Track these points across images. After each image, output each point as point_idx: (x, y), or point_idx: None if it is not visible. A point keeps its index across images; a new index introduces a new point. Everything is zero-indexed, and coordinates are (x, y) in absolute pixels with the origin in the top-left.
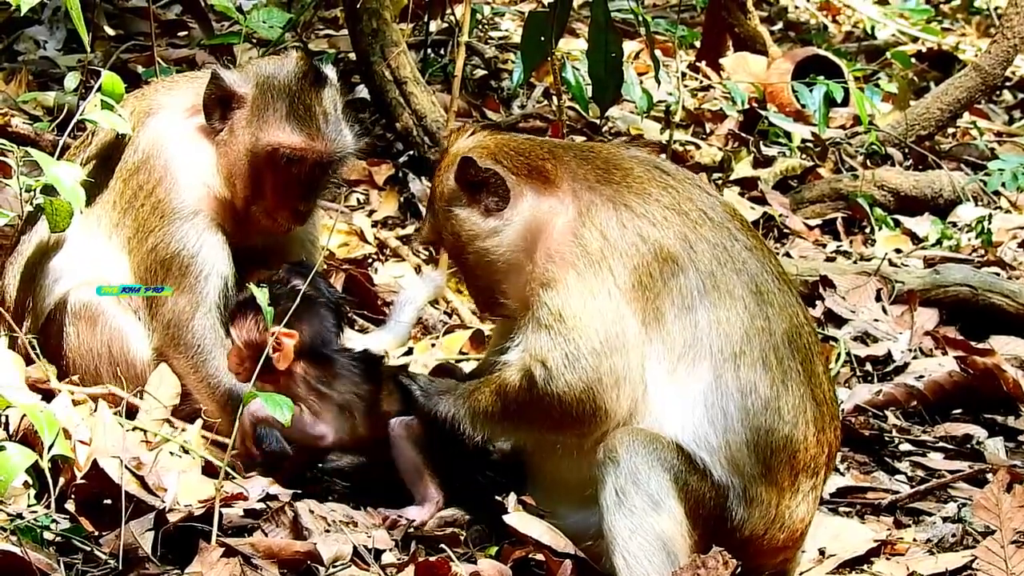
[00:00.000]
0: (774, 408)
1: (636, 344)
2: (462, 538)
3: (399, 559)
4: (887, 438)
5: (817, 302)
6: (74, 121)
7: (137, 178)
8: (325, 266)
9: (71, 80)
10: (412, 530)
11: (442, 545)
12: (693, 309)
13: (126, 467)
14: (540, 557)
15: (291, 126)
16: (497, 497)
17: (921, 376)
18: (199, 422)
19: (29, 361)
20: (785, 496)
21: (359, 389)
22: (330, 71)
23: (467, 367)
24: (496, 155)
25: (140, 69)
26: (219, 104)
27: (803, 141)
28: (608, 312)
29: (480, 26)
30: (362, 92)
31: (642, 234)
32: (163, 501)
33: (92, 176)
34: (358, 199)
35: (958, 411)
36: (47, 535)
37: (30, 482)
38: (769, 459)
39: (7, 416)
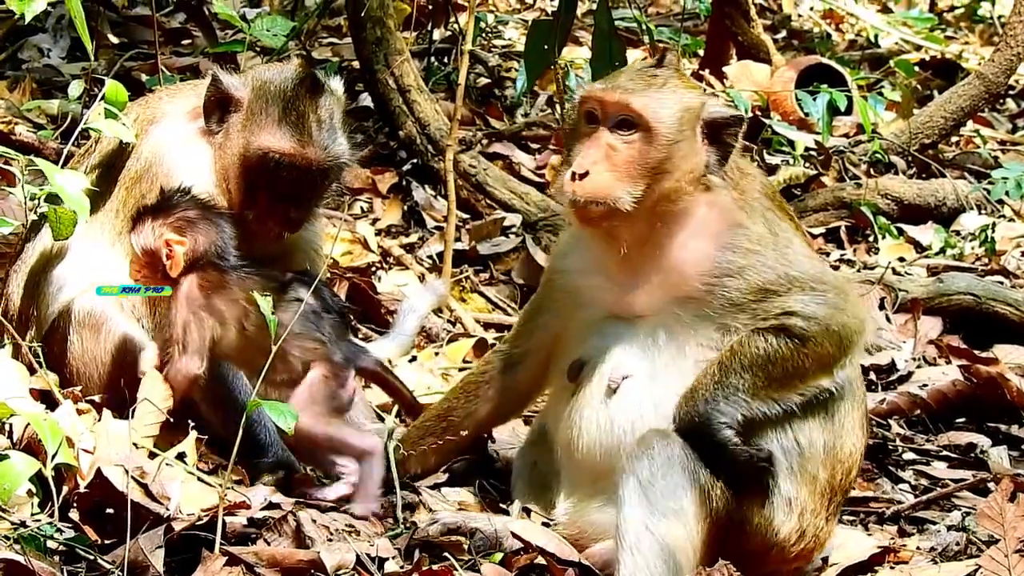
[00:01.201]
0: (850, 420)
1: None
2: (466, 546)
3: (402, 567)
4: (891, 447)
5: None
6: (78, 129)
7: (140, 186)
8: (328, 275)
9: (75, 88)
10: (414, 539)
11: (446, 553)
12: None
13: (131, 477)
14: (544, 564)
15: (282, 131)
16: (502, 504)
17: (925, 385)
18: (193, 434)
19: (33, 370)
20: (824, 508)
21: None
22: (336, 83)
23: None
24: None
25: (144, 77)
26: (218, 106)
27: (806, 149)
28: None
29: (483, 34)
30: (365, 100)
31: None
32: (167, 510)
33: (96, 184)
34: (362, 207)
35: (962, 420)
36: (51, 544)
37: (33, 491)
38: (834, 470)
39: (11, 425)
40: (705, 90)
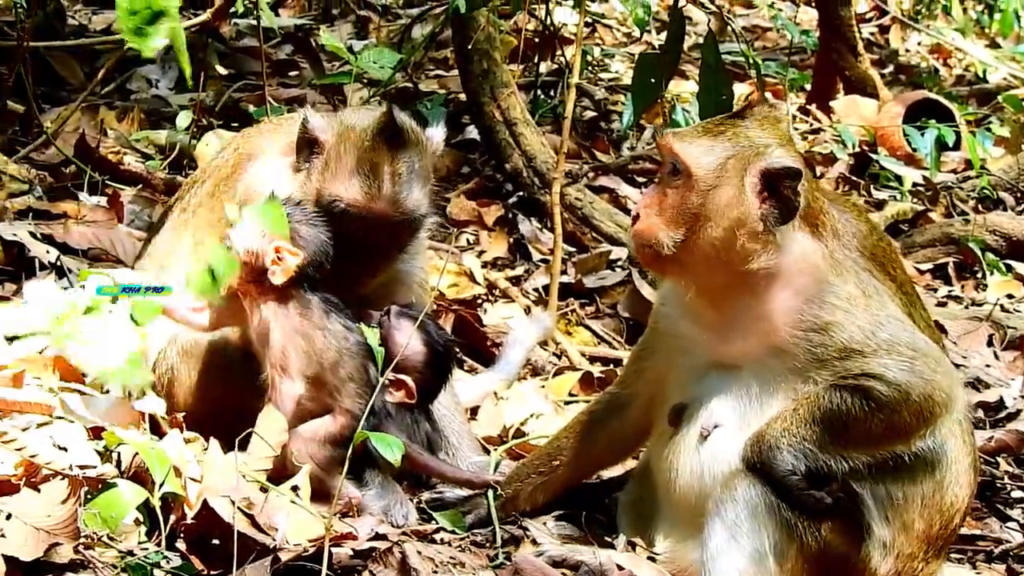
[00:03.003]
0: (953, 471)
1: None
2: None
3: None
4: (999, 485)
5: None
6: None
7: None
8: (434, 307)
9: (183, 119)
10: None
11: None
12: None
13: (238, 508)
14: None
15: (353, 182)
16: (607, 538)
17: None
18: (306, 467)
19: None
20: (923, 552)
21: (343, 342)
22: (433, 131)
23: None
24: (808, 191)
25: (251, 108)
26: (306, 145)
27: (914, 185)
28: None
29: (590, 67)
30: (472, 133)
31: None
32: (274, 540)
33: (203, 215)
34: (468, 240)
35: None
36: (157, 573)
37: (141, 519)
38: (932, 519)
39: (119, 453)
40: (806, 135)
